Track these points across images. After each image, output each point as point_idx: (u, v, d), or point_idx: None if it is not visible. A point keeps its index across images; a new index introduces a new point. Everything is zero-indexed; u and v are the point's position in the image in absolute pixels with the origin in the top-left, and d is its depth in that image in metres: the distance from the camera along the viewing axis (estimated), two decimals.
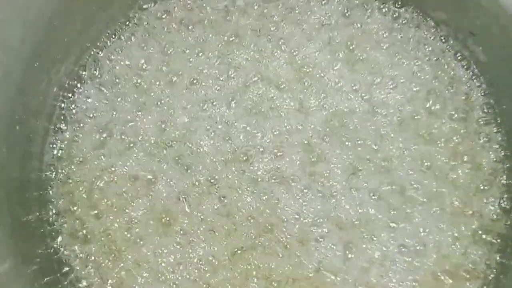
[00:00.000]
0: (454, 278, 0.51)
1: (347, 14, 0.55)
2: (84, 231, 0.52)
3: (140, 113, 0.54)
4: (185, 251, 0.52)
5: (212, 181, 0.53)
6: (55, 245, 0.52)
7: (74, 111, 0.54)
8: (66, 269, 0.52)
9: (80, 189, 0.53)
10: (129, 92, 0.54)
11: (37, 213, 0.52)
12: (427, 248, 0.51)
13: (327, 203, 0.52)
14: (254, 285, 0.51)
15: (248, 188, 0.52)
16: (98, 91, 0.55)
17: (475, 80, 0.54)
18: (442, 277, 0.51)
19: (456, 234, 0.51)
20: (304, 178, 0.52)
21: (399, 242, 0.51)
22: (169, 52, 0.55)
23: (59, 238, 0.52)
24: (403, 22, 0.55)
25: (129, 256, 0.52)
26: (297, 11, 0.55)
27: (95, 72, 0.55)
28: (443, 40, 0.55)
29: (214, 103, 0.54)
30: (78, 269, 0.52)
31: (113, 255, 0.52)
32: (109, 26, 0.55)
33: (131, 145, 0.54)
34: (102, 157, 0.53)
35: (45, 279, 0.50)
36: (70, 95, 0.54)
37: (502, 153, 0.53)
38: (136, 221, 0.52)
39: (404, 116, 0.53)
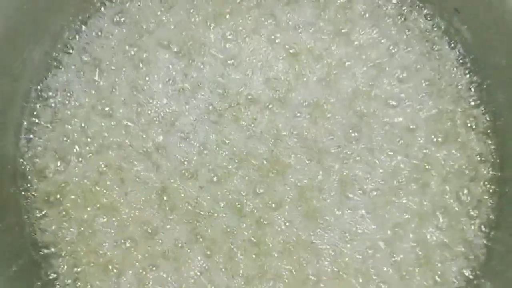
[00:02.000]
0: None
1: None
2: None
3: (114, 90, 0.53)
4: None
5: None
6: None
7: (50, 93, 0.53)
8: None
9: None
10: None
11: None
12: None
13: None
14: None
15: None
16: (75, 76, 0.53)
17: (460, 59, 0.53)
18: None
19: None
20: None
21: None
22: (148, 28, 0.54)
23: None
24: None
25: None
26: None
27: (71, 52, 0.53)
28: (429, 19, 0.53)
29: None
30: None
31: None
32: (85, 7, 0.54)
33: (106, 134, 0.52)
34: (80, 141, 0.52)
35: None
36: (45, 79, 0.53)
37: (488, 131, 0.52)
38: None
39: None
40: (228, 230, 0.51)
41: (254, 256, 0.51)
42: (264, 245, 0.51)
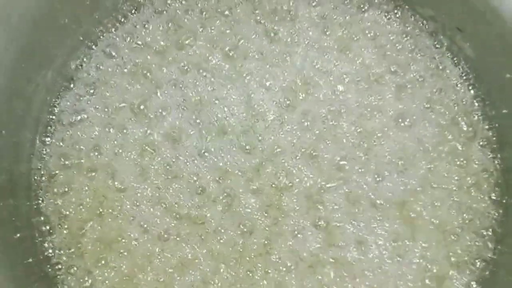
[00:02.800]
0: None
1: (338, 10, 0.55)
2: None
3: (132, 117, 0.54)
4: None
5: None
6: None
7: (62, 115, 0.54)
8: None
9: (71, 194, 0.53)
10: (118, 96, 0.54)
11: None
12: None
13: None
14: None
15: None
16: (87, 94, 0.54)
17: (464, 75, 0.54)
18: None
19: None
20: None
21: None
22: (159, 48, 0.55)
23: None
24: (391, 18, 0.55)
25: None
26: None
27: (82, 74, 0.55)
28: (433, 36, 0.54)
29: None
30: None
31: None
32: (95, 28, 0.55)
33: (120, 150, 0.54)
34: (95, 160, 0.53)
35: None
36: (57, 100, 0.54)
37: (492, 150, 0.53)
38: None
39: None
40: None
41: None
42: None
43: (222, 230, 0.52)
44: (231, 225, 0.52)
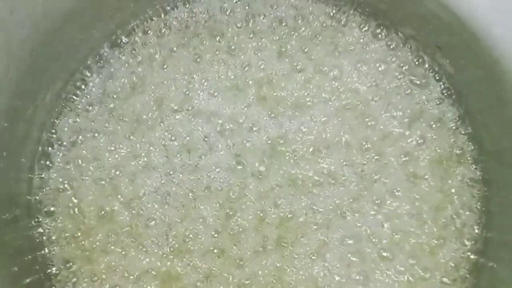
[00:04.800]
0: None
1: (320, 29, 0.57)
2: None
3: (132, 137, 0.56)
4: None
5: None
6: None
7: (61, 137, 0.56)
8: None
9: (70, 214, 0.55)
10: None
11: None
12: None
13: None
14: None
15: None
16: (85, 116, 0.57)
17: (445, 92, 0.56)
18: None
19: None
20: None
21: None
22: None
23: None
24: (372, 36, 0.57)
25: None
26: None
27: (81, 98, 0.57)
28: (414, 55, 0.56)
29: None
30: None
31: None
32: (92, 52, 0.57)
33: (116, 172, 0.56)
34: (95, 178, 0.55)
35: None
36: (57, 121, 0.56)
37: (473, 165, 0.55)
38: None
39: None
40: None
41: None
42: None
43: None
44: None
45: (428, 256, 0.53)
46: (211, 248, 0.54)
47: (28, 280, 0.52)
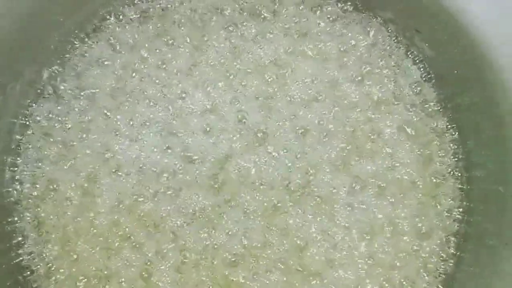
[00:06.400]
0: None
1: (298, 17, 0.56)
2: None
3: (97, 131, 0.55)
4: None
5: None
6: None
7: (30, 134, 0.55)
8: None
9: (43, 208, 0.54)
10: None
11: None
12: None
13: None
14: None
15: None
16: (52, 114, 0.55)
17: (425, 75, 0.55)
18: None
19: None
20: None
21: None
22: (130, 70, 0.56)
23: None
24: (351, 21, 0.56)
25: None
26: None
27: (50, 92, 0.55)
28: (394, 38, 0.56)
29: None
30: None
31: None
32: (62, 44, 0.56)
33: (90, 158, 0.54)
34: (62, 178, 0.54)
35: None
36: (26, 111, 0.55)
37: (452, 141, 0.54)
38: None
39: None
40: None
41: None
42: None
43: None
44: None
45: None
46: None
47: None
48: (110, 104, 0.55)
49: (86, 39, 0.56)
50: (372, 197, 0.53)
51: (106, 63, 0.55)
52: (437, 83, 0.55)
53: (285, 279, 0.52)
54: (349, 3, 0.56)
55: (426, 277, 0.53)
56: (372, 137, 0.54)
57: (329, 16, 0.56)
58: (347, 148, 0.54)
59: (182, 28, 0.56)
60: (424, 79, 0.55)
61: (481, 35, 0.47)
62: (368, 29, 0.56)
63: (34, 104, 0.55)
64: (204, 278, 0.52)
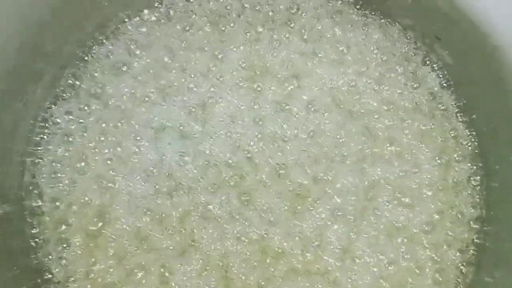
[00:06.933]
0: None
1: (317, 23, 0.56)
2: None
3: (116, 134, 0.55)
4: None
5: None
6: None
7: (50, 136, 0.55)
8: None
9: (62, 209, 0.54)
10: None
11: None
12: None
13: None
14: None
15: None
16: (72, 116, 0.55)
17: (444, 82, 0.55)
18: None
19: None
20: None
21: None
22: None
23: None
24: (370, 27, 0.56)
25: None
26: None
27: (69, 95, 0.55)
28: (413, 45, 0.56)
29: None
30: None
31: None
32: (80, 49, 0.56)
33: (109, 161, 0.55)
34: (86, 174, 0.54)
35: None
36: (45, 114, 0.54)
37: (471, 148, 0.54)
38: None
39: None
40: None
41: None
42: None
43: None
44: None
45: None
46: None
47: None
48: (129, 106, 0.55)
49: (106, 42, 0.56)
50: (389, 203, 0.53)
51: (125, 65, 0.56)
52: (456, 90, 0.55)
53: (304, 284, 0.52)
54: (369, 9, 0.56)
55: (444, 287, 0.53)
56: (389, 143, 0.54)
57: (348, 22, 0.56)
58: (365, 153, 0.54)
59: (201, 32, 0.56)
60: (442, 86, 0.55)
61: (502, 43, 0.47)
62: (387, 35, 0.56)
63: (53, 106, 0.55)
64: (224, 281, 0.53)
